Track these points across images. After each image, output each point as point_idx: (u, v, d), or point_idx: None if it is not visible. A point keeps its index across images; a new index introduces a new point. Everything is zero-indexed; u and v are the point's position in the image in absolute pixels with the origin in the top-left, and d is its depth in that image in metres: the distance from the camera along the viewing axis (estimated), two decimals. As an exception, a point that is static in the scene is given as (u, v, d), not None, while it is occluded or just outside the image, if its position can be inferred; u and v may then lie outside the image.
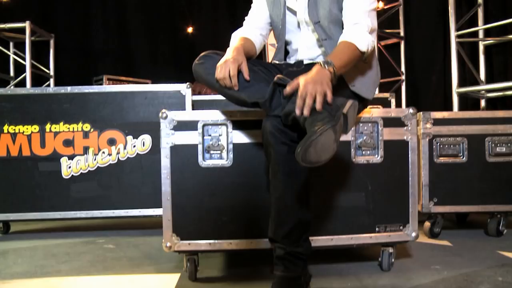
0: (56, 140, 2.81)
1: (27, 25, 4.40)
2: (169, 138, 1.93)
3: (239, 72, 1.69)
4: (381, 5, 4.57)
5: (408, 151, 1.98)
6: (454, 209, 2.57)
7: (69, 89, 2.84)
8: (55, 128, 2.81)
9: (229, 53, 1.74)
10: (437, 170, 2.54)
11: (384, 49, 4.45)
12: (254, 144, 1.93)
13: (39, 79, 4.73)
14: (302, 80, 1.53)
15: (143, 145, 2.82)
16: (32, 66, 4.56)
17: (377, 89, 1.98)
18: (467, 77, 3.98)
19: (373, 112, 1.97)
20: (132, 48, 5.19)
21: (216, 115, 1.94)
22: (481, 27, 3.77)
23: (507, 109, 3.70)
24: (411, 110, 1.98)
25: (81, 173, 2.81)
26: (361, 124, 1.96)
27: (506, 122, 2.56)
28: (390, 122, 1.97)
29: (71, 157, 2.81)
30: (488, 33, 3.79)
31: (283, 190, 1.65)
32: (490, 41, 3.75)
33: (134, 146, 2.82)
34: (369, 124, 1.97)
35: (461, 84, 3.73)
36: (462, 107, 3.76)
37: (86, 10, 4.97)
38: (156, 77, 5.18)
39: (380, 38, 4.23)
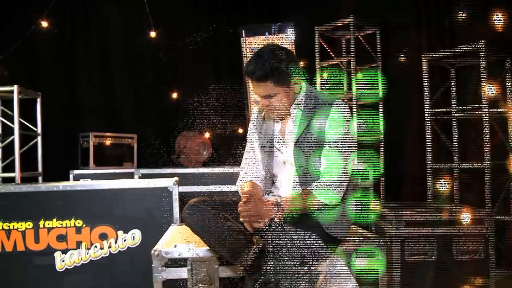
0: (50, 235, 2.93)
1: (15, 88, 4.45)
2: (161, 273, 2.08)
3: None
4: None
5: None
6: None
7: (61, 186, 2.96)
8: (48, 224, 2.94)
9: None
10: None
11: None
12: (240, 277, 2.09)
13: (26, 137, 4.80)
14: None
15: (133, 239, 2.96)
16: (20, 124, 4.63)
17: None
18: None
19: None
20: (118, 103, 5.30)
21: (204, 252, 2.10)
22: (454, 107, 3.99)
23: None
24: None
25: (75, 266, 2.94)
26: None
27: None
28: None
29: (64, 251, 2.94)
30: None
31: None
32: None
33: (125, 240, 2.96)
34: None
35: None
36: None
37: (73, 67, 5.06)
38: (142, 131, 5.33)
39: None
